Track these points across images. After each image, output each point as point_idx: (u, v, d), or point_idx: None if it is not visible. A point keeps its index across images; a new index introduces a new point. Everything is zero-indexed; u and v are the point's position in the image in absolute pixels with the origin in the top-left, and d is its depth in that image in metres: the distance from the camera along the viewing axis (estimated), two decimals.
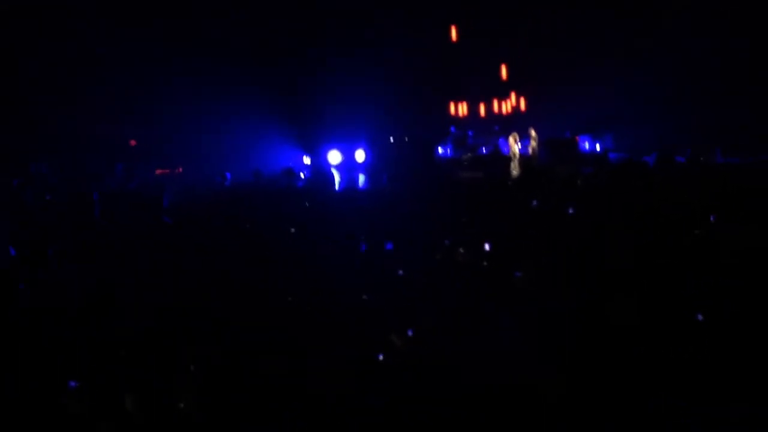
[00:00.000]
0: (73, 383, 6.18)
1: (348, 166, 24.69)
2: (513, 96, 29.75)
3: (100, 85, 24.23)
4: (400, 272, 9.70)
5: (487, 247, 10.55)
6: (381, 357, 6.55)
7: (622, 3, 26.87)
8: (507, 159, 23.59)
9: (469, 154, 25.78)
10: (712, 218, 11.34)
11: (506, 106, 29.63)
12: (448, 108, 29.68)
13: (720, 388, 5.62)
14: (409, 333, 6.97)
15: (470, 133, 26.86)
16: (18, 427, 5.68)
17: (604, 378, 5.94)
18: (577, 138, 25.44)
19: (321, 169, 23.93)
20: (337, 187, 22.25)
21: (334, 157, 25.16)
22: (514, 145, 23.16)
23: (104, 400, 6.00)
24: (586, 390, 5.77)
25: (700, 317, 6.74)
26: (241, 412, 5.73)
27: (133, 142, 23.72)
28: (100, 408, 5.84)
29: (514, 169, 22.33)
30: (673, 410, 5.45)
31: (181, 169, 25.24)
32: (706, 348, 6.30)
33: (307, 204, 16.09)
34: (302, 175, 23.21)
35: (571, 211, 12.92)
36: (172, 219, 14.94)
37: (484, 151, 26.08)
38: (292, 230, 13.06)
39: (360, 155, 25.21)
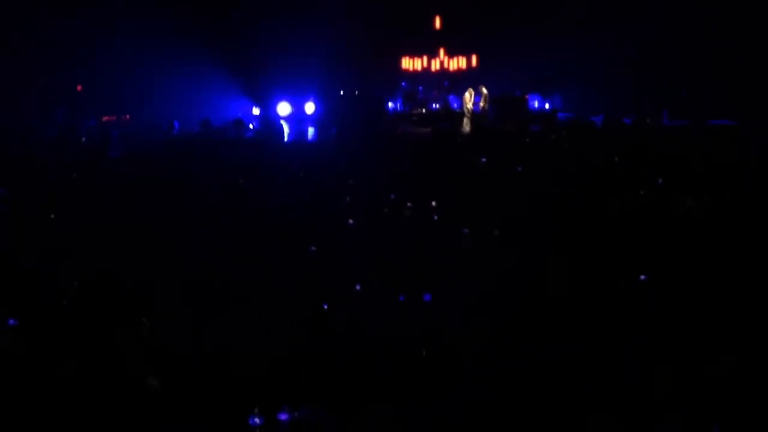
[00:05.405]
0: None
1: (297, 118, 24.49)
2: (465, 53, 29.62)
3: (42, 28, 23.44)
4: (351, 221, 9.77)
5: (433, 203, 10.61)
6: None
7: None
8: (457, 115, 23.53)
9: (419, 110, 25.76)
10: (660, 181, 11.53)
11: (457, 63, 29.50)
12: (399, 63, 29.50)
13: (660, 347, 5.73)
14: (357, 287, 7.00)
15: (420, 88, 26.78)
16: None
17: (544, 337, 6.03)
18: (527, 96, 25.52)
19: (270, 120, 23.71)
20: (286, 138, 22.12)
21: (284, 108, 24.92)
22: (468, 102, 22.87)
23: None
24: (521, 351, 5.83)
25: (643, 277, 6.86)
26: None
27: (79, 87, 23.13)
28: None
29: (465, 126, 22.26)
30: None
31: (128, 117, 24.81)
32: (649, 306, 6.43)
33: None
34: (251, 126, 23.00)
35: (519, 169, 13.03)
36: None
37: (435, 106, 26.05)
38: (241, 181, 13.01)
39: (309, 107, 25.02)
